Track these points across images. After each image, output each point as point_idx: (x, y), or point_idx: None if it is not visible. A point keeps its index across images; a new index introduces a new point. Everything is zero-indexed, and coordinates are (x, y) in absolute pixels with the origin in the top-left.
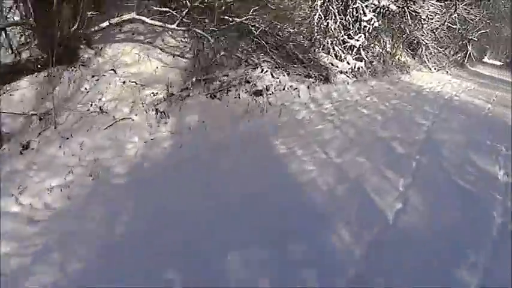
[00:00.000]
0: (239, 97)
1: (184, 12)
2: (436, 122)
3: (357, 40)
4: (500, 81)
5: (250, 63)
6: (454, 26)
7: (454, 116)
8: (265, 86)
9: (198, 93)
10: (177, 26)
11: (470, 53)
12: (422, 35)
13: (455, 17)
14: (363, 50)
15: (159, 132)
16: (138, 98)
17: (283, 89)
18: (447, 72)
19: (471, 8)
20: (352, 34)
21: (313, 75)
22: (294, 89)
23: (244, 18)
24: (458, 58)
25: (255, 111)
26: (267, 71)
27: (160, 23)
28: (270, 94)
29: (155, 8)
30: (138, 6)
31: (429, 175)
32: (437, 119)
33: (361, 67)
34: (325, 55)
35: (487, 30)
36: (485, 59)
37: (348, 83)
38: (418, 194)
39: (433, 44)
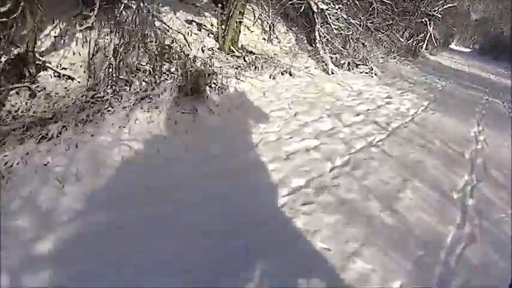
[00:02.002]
0: None
1: None
2: None
3: None
4: (474, 80)
5: None
6: None
7: None
8: None
9: None
10: None
11: (431, 35)
12: None
13: None
14: None
15: None
16: None
17: None
18: (371, 70)
19: None
20: None
21: None
22: None
23: None
24: (412, 43)
25: None
26: None
27: None
28: None
29: None
30: None
31: None
32: None
33: None
34: None
35: (456, 4)
36: (453, 45)
37: None
38: None
39: (338, 11)
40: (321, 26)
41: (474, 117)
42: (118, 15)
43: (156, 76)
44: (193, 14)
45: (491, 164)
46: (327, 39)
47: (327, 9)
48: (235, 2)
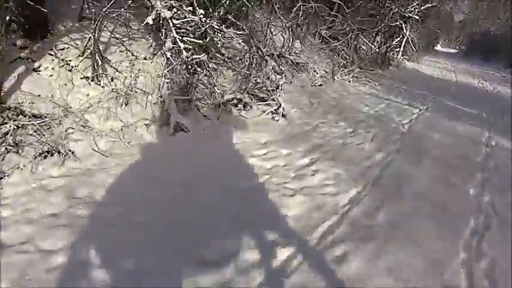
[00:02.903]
0: None
1: None
2: None
3: None
4: (464, 95)
5: None
6: None
7: None
8: None
9: None
10: None
11: (407, 39)
12: None
13: None
14: None
15: None
16: None
17: None
18: (278, 107)
19: None
20: None
21: None
22: None
23: None
24: (382, 51)
25: None
26: None
27: None
28: None
29: None
30: None
31: None
32: None
33: None
34: None
35: (435, 4)
36: (438, 47)
37: None
38: None
39: (202, 20)
40: (172, 48)
41: (464, 244)
42: None
43: None
44: None
45: None
46: (181, 65)
47: (172, 18)
48: None
